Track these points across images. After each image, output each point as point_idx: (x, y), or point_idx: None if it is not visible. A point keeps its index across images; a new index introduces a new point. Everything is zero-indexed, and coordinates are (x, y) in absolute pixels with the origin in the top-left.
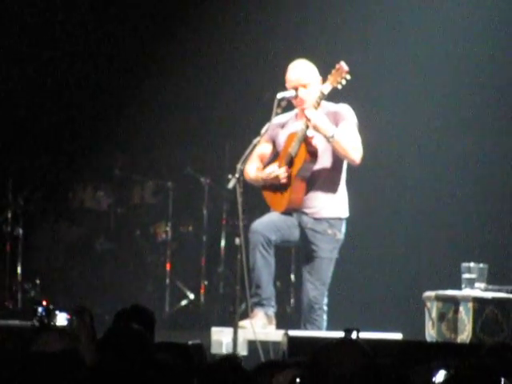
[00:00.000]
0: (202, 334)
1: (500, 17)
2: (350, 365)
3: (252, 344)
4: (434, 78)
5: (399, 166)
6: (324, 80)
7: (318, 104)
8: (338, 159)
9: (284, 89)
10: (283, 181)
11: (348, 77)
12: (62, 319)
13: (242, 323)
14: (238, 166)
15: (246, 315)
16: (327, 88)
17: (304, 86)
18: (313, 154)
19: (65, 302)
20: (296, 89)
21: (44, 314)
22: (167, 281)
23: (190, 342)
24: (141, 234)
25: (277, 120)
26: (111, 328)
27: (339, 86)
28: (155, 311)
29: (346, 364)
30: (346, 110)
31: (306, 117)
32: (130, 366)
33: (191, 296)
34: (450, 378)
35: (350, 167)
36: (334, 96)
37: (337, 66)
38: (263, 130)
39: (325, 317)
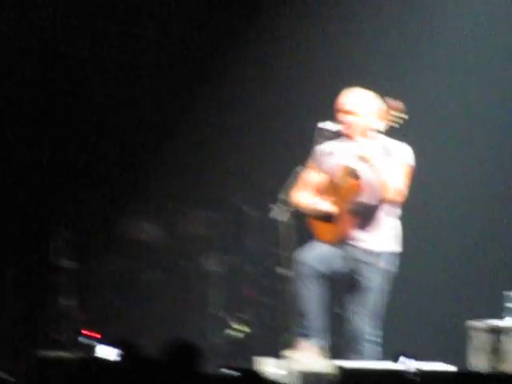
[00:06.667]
0: (248, 365)
1: None
2: None
3: (300, 375)
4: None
5: (439, 196)
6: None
7: (368, 136)
8: None
9: (326, 119)
10: (332, 218)
11: (405, 116)
12: (111, 353)
13: (289, 354)
14: (281, 196)
15: (293, 346)
16: (378, 124)
17: (351, 114)
18: (363, 188)
19: (113, 333)
20: (341, 114)
21: (90, 345)
22: (213, 311)
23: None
24: (188, 265)
25: (324, 148)
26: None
27: (394, 124)
28: (201, 341)
29: None
30: (401, 150)
31: (356, 149)
32: None
33: (239, 327)
34: None
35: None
36: None
37: (390, 105)
38: (310, 159)
39: (378, 348)
